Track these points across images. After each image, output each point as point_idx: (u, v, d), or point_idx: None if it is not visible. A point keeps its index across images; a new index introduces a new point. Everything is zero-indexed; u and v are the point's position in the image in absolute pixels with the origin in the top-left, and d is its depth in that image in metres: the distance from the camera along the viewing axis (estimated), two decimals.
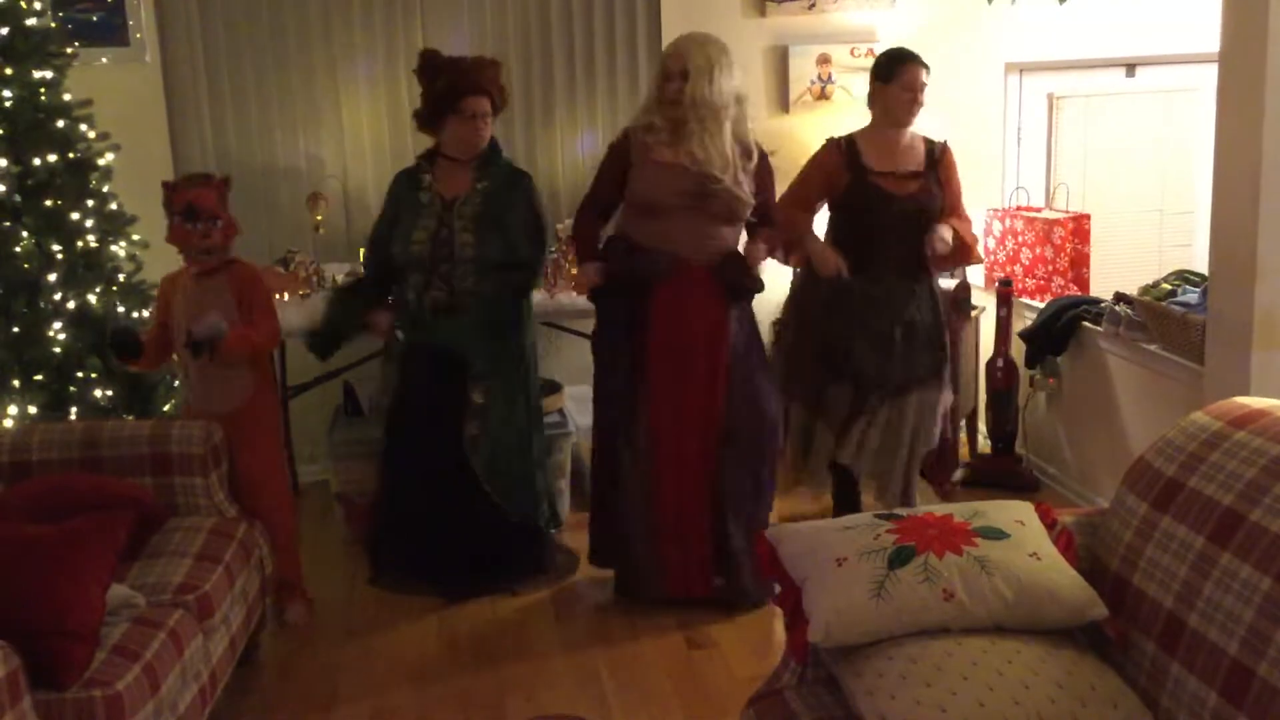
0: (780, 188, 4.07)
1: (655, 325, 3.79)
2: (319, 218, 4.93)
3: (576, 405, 4.92)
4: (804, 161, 4.20)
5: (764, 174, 3.87)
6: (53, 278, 3.95)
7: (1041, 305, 4.89)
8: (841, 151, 4.08)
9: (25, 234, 3.91)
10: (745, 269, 3.83)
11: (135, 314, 4.21)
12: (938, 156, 4.11)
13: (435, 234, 3.95)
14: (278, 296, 4.45)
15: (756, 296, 3.92)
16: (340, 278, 4.91)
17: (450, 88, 3.94)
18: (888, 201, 4.01)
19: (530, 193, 4.08)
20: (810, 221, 4.15)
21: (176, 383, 4.29)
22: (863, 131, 4.13)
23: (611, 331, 3.89)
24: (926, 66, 4.04)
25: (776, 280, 4.59)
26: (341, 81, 5.13)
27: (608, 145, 3.99)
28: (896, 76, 4.01)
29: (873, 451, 4.16)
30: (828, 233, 4.17)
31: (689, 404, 3.81)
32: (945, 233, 4.01)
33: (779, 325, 4.74)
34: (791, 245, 4.11)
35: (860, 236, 4.06)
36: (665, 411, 3.82)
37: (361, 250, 4.97)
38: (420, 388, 4.03)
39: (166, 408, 4.22)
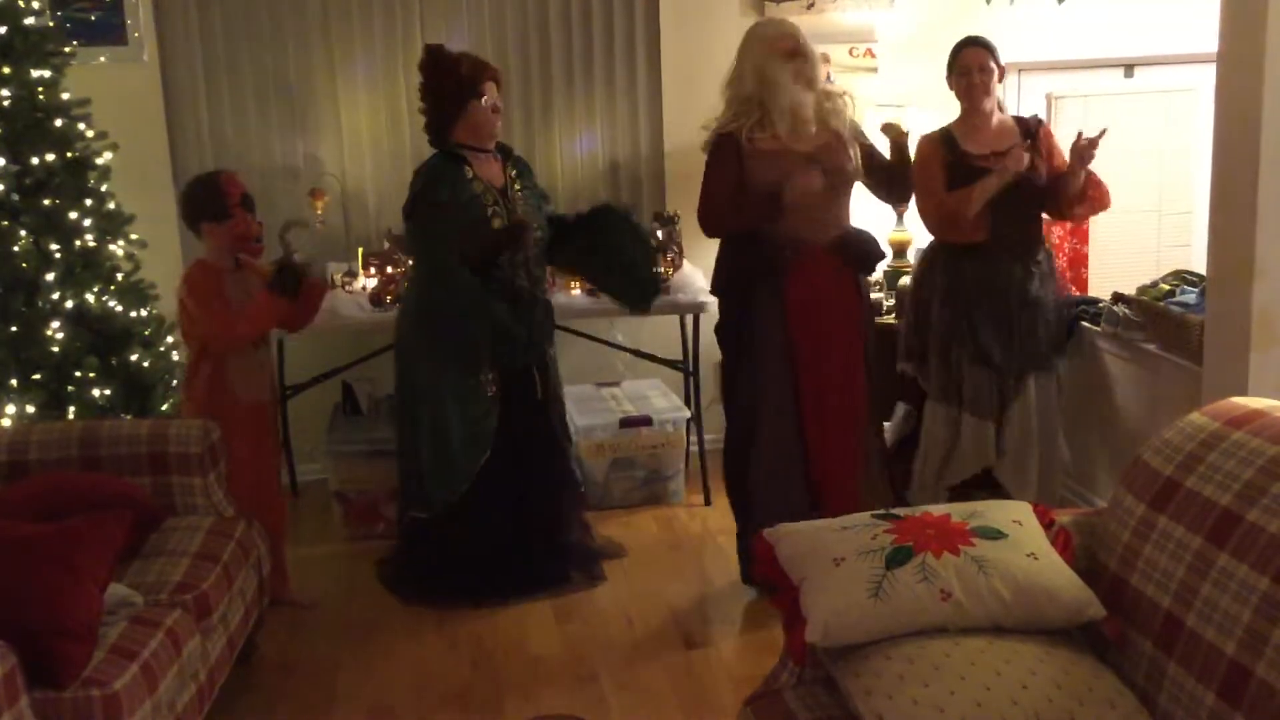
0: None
1: (791, 314, 3.80)
2: (319, 212, 4.93)
3: (575, 406, 4.92)
4: None
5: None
6: (51, 277, 3.95)
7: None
8: (937, 143, 4.09)
9: (23, 233, 3.91)
10: (866, 242, 3.88)
11: (134, 313, 4.21)
12: (1033, 130, 4.09)
13: (507, 221, 3.94)
14: None
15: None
16: (339, 277, 4.92)
17: (473, 73, 3.95)
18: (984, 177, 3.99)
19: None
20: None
21: (175, 383, 4.29)
22: (954, 122, 4.14)
23: (743, 323, 3.87)
24: (988, 48, 4.03)
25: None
26: (340, 81, 5.13)
27: (711, 146, 3.86)
28: (955, 63, 4.06)
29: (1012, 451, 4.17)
30: None
31: (831, 386, 3.84)
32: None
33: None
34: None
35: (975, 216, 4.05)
36: (811, 396, 3.84)
37: (360, 250, 4.99)
38: (522, 385, 4.05)
39: (165, 407, 4.22)
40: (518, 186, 4.04)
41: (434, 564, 4.13)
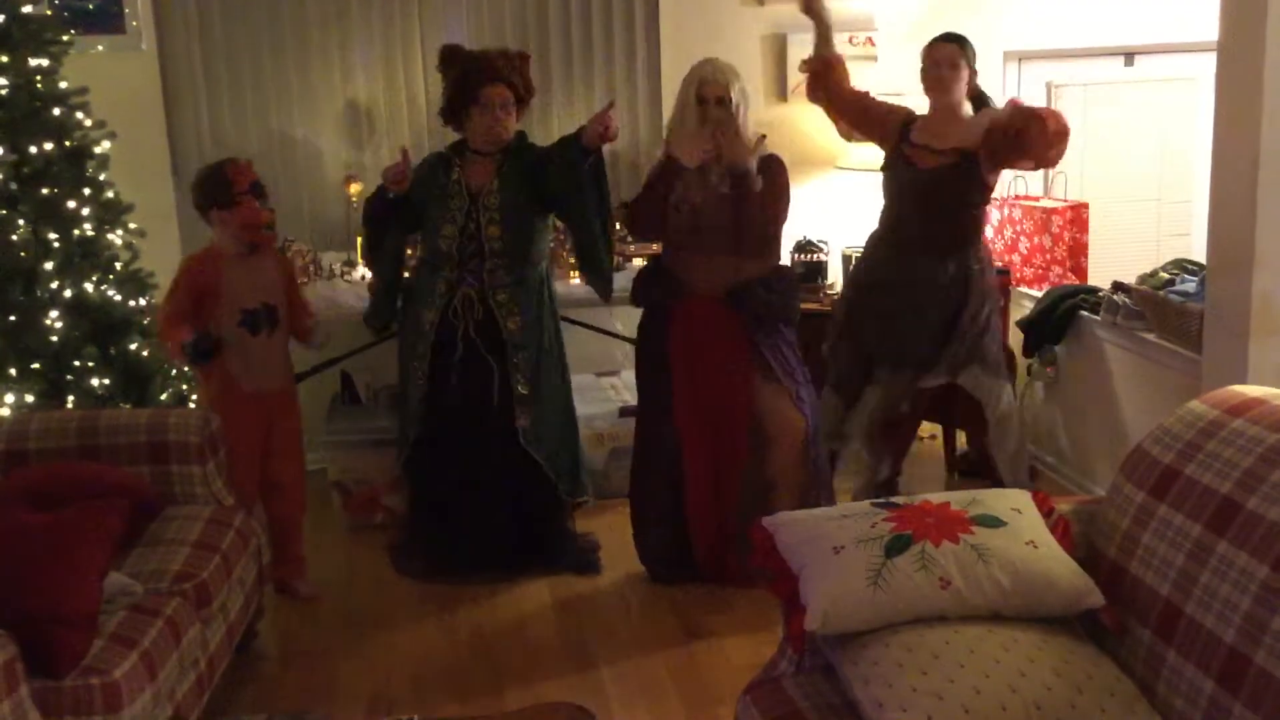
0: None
1: (671, 346, 3.91)
2: (355, 200, 4.91)
3: (576, 395, 4.91)
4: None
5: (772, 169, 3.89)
6: (49, 266, 3.94)
7: (1039, 294, 4.89)
8: (901, 118, 4.13)
9: (21, 222, 3.90)
10: (767, 299, 3.87)
11: (133, 302, 4.20)
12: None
13: (463, 229, 3.96)
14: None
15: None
16: (339, 266, 4.92)
17: (466, 77, 3.94)
18: (910, 171, 4.02)
19: None
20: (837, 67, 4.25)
21: (174, 371, 4.29)
22: (922, 115, 4.16)
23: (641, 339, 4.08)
24: (959, 43, 4.02)
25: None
26: (339, 70, 5.12)
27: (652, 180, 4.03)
28: (924, 56, 4.07)
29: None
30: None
31: (707, 423, 3.91)
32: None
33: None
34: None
35: (888, 205, 4.14)
36: (688, 425, 3.92)
37: (359, 239, 4.97)
38: (457, 378, 4.03)
39: (164, 396, 4.22)
40: (494, 190, 3.97)
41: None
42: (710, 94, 3.81)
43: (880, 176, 4.20)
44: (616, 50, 5.26)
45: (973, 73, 4.06)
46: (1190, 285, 4.01)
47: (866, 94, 4.29)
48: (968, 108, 4.10)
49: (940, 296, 4.04)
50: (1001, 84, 5.54)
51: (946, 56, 4.01)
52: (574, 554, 4.25)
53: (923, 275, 4.03)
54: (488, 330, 4.01)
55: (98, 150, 4.22)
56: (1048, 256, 5.01)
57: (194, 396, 4.30)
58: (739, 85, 3.84)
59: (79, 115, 4.17)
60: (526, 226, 4.03)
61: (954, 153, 3.97)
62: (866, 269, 4.23)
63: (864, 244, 4.32)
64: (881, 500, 2.39)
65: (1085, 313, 4.58)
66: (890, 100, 4.33)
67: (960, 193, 4.00)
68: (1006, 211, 5.21)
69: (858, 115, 4.27)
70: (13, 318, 3.89)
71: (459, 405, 4.04)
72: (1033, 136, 3.79)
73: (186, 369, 4.17)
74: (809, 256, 5.15)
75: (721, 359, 3.87)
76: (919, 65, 4.09)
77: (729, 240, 3.82)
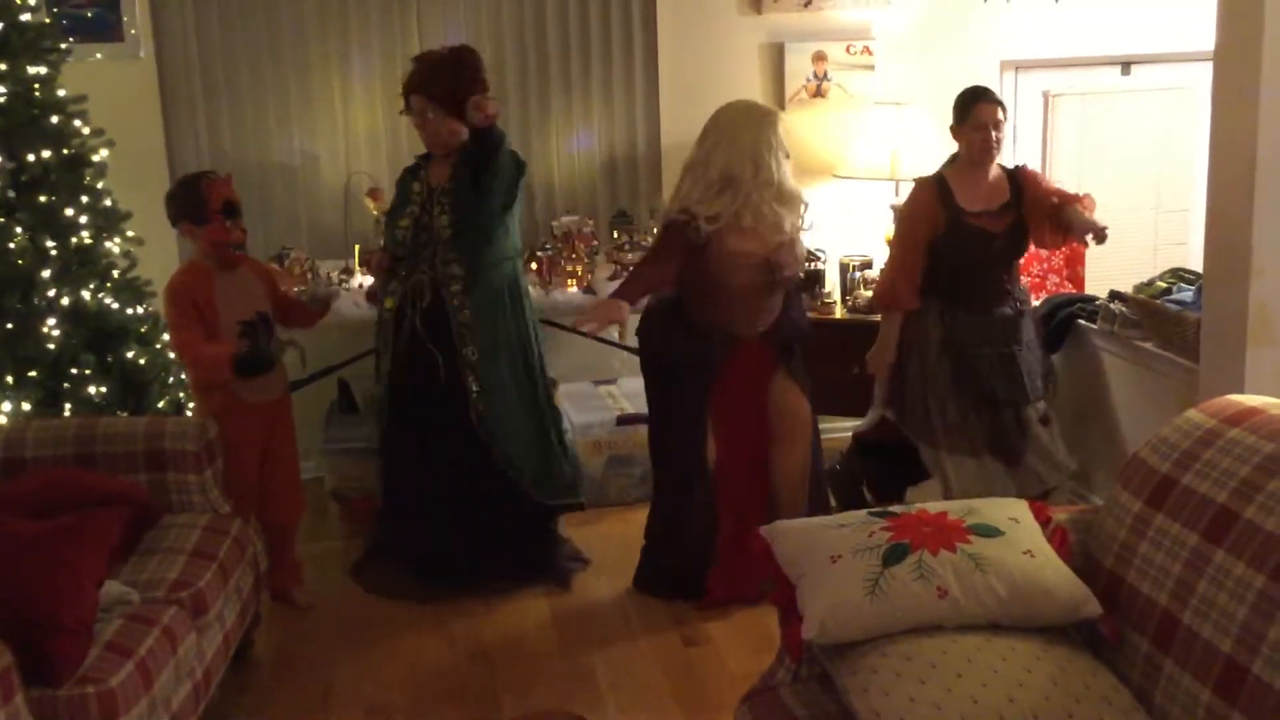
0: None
1: (714, 395, 3.88)
2: (376, 214, 4.91)
3: (572, 403, 4.92)
4: (795, 161, 4.16)
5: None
6: (47, 274, 3.94)
7: (1037, 303, 4.89)
8: (934, 190, 4.04)
9: (19, 230, 3.90)
10: (797, 328, 3.96)
11: (130, 310, 4.20)
12: (1020, 183, 4.07)
13: (418, 219, 4.06)
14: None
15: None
16: (335, 274, 4.92)
17: (405, 89, 4.05)
18: (989, 241, 4.02)
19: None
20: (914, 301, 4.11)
21: (171, 380, 4.28)
22: (950, 169, 4.09)
23: (677, 394, 3.94)
24: (1001, 104, 3.99)
25: None
26: (337, 78, 5.12)
27: (664, 225, 3.90)
28: (969, 117, 3.98)
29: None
30: (925, 271, 4.08)
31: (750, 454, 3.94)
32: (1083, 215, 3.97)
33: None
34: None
35: (959, 273, 4.06)
36: (729, 460, 3.92)
37: (357, 247, 4.98)
38: (417, 370, 4.05)
39: (161, 404, 4.21)
40: (448, 186, 4.03)
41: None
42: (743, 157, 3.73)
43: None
44: (614, 59, 5.27)
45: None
46: (1187, 294, 4.01)
47: (910, 265, 4.10)
48: None
49: (1017, 332, 4.12)
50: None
51: (994, 118, 3.95)
52: (552, 566, 4.23)
53: (1001, 318, 4.09)
54: (439, 321, 4.03)
55: (95, 158, 4.22)
56: (1045, 265, 5.02)
57: (191, 405, 4.29)
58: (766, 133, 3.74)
59: (77, 123, 4.16)
60: (478, 218, 4.01)
61: (1006, 210, 4.03)
62: (951, 326, 4.09)
63: (919, 313, 4.14)
64: (879, 510, 2.39)
65: (1082, 321, 4.57)
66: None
67: (1022, 243, 4.10)
68: None
69: (921, 258, 4.11)
70: (10, 325, 3.88)
71: (413, 395, 4.09)
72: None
73: (184, 377, 4.18)
74: (807, 265, 5.14)
75: (757, 394, 3.91)
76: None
77: (763, 292, 3.85)
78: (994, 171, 4.08)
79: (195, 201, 3.76)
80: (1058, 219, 4.01)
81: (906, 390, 4.15)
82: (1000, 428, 4.09)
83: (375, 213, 4.91)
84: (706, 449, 3.90)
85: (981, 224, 4.01)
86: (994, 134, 3.95)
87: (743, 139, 3.72)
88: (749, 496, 3.94)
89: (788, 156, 3.81)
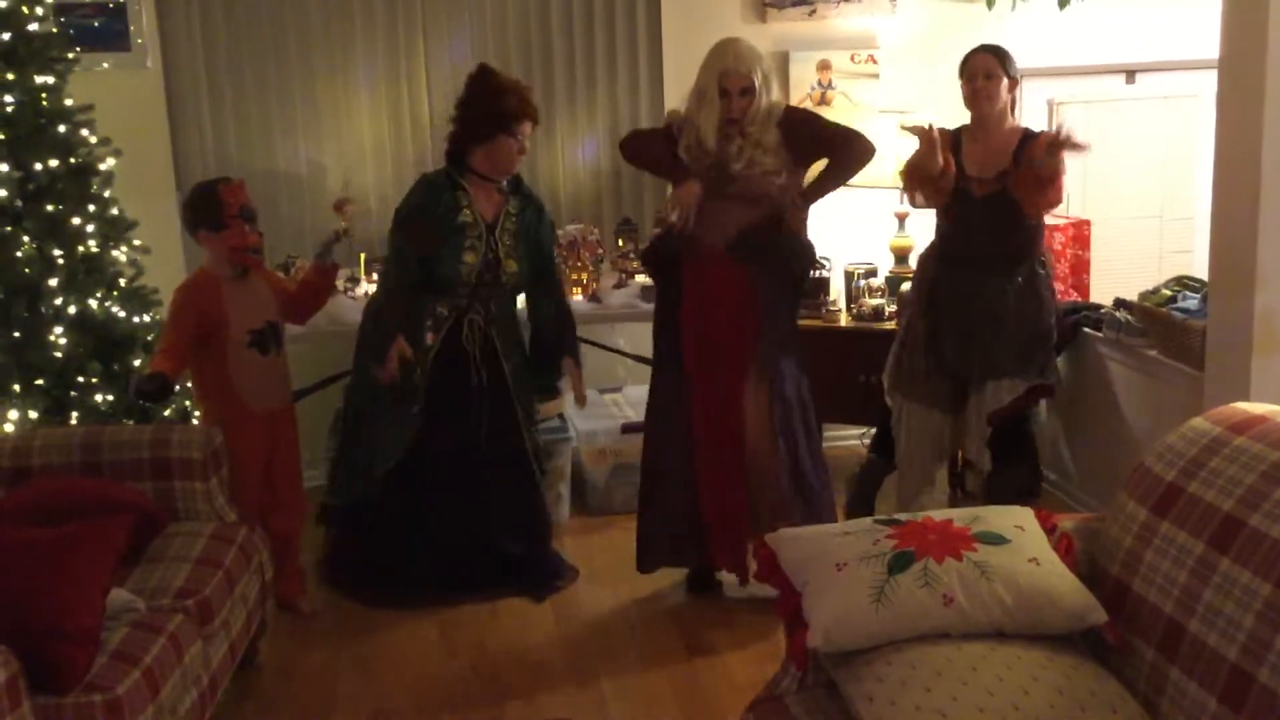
0: None
1: (684, 316, 3.86)
2: (344, 223, 4.89)
3: (577, 411, 4.91)
4: None
5: (796, 126, 3.85)
6: (54, 283, 3.95)
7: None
8: (949, 138, 4.08)
9: (26, 239, 3.91)
10: (769, 243, 3.82)
11: (137, 318, 4.21)
12: (1023, 148, 3.98)
13: (484, 258, 4.00)
14: None
15: None
16: (341, 283, 4.92)
17: (515, 110, 3.95)
18: (966, 198, 4.02)
19: (552, 229, 4.27)
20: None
21: (178, 388, 4.29)
22: (965, 126, 4.13)
23: (657, 325, 4.03)
24: (997, 54, 4.00)
25: None
26: (342, 87, 5.14)
27: (665, 125, 3.99)
28: (962, 68, 4.05)
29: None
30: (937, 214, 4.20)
31: (716, 398, 3.86)
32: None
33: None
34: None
35: (950, 225, 4.13)
36: (700, 406, 3.87)
37: (362, 255, 4.98)
38: (460, 403, 4.08)
39: (167, 413, 4.22)
40: (509, 225, 4.05)
41: (358, 558, 4.25)
42: (734, 86, 3.72)
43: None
44: (619, 68, 5.28)
45: (1013, 82, 4.05)
46: (1192, 302, 4.01)
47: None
48: (1011, 120, 4.11)
49: (1016, 306, 4.07)
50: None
51: (982, 66, 3.99)
52: (541, 578, 4.24)
53: (993, 289, 4.05)
54: (490, 360, 4.11)
55: (102, 167, 4.23)
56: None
57: (197, 413, 4.30)
58: (761, 69, 3.75)
59: (84, 132, 4.18)
60: (529, 264, 4.14)
61: (1000, 180, 3.98)
62: (936, 287, 4.17)
63: (921, 261, 4.30)
64: (884, 518, 2.39)
65: (1087, 329, 4.58)
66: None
67: (1014, 215, 4.00)
68: None
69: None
70: (17, 334, 3.90)
71: (452, 430, 4.07)
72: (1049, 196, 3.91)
73: (189, 385, 4.19)
74: (811, 273, 5.14)
75: (729, 333, 3.83)
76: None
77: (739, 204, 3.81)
78: (1005, 136, 4.04)
79: (213, 207, 3.76)
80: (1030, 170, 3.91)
81: (897, 335, 4.34)
82: (952, 391, 4.20)
83: (344, 224, 4.85)
84: (678, 384, 3.88)
85: (969, 188, 4.03)
86: (981, 83, 3.97)
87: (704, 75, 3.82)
88: (726, 444, 3.85)
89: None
